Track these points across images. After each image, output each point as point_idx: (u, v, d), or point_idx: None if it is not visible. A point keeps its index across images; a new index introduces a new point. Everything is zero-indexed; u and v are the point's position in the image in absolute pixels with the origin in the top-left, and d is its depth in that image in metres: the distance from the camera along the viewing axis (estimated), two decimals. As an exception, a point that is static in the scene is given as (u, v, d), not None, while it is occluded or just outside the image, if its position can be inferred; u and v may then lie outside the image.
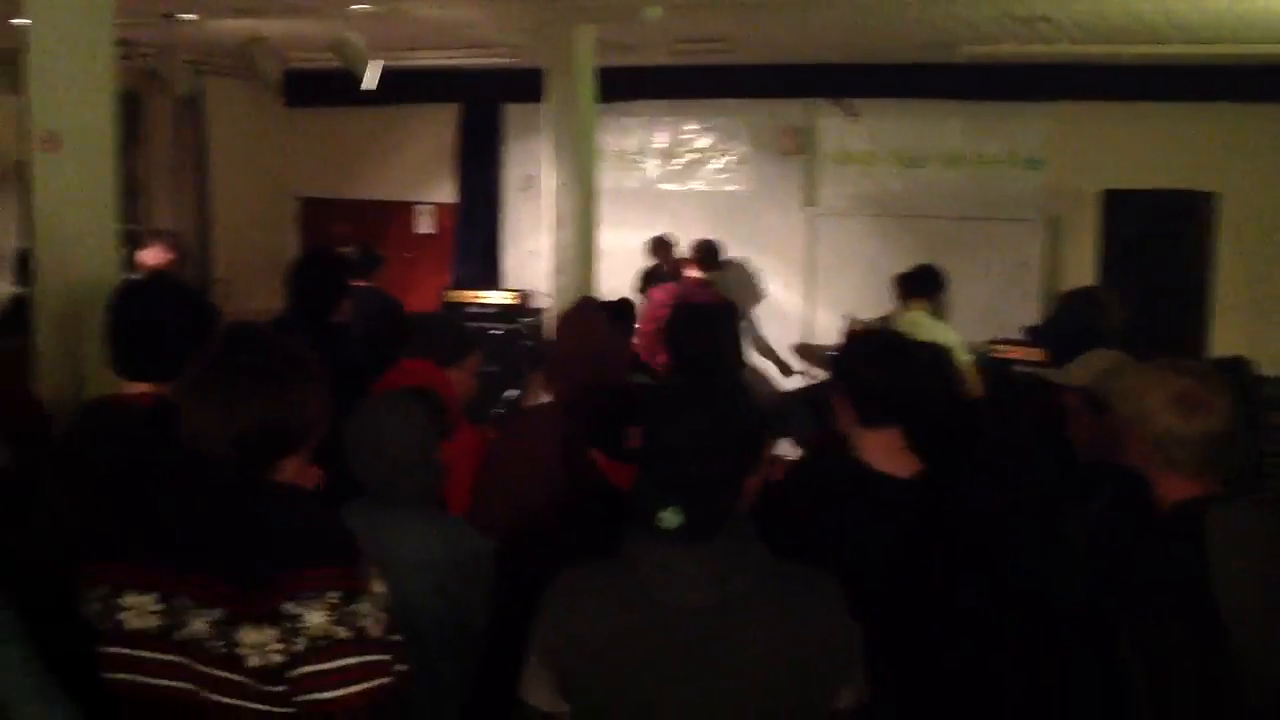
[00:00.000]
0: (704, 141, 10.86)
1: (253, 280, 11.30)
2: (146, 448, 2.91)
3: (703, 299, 8.39)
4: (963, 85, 9.53)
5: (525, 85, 8.95)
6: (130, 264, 7.56)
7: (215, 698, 2.18)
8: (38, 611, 2.63)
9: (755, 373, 9.50)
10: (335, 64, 8.24)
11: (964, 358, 7.01)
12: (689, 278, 8.92)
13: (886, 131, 10.23)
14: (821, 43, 8.71)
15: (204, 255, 11.17)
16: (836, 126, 10.41)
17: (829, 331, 9.35)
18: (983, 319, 9.12)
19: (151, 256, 8.10)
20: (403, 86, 10.04)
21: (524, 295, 10.79)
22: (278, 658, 2.13)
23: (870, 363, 3.18)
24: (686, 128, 10.91)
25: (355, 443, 3.17)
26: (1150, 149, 9.17)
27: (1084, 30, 7.54)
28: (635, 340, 7.45)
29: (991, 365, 8.03)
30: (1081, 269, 8.90)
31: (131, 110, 10.41)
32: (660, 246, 10.01)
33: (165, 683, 2.21)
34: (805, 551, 2.43)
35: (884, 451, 3.11)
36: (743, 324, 8.08)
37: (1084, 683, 2.55)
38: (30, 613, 2.62)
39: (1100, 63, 8.54)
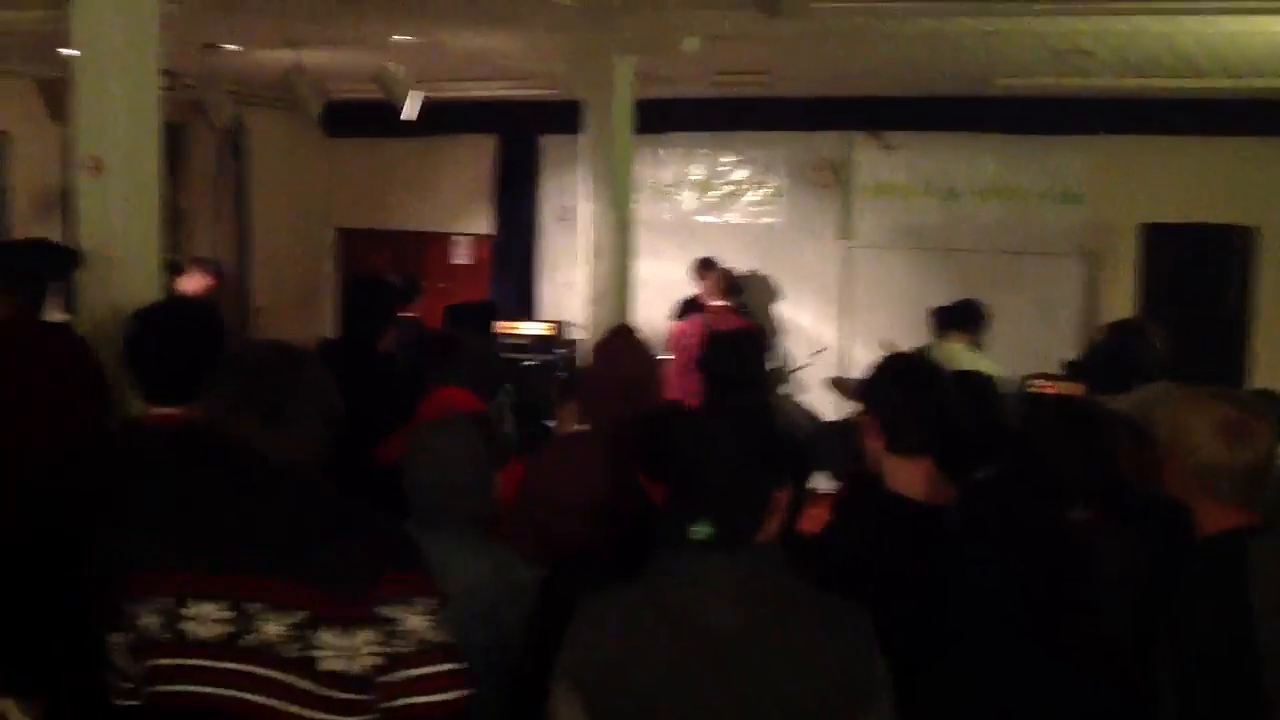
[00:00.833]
0: (740, 174, 10.88)
1: (290, 310, 11.40)
2: (180, 461, 2.94)
3: (732, 326, 8.41)
4: (1000, 118, 9.52)
5: (563, 117, 9.00)
6: (171, 293, 7.64)
7: (278, 705, 2.17)
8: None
9: (792, 402, 9.48)
10: (376, 95, 8.32)
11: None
12: (714, 307, 8.91)
13: (923, 164, 10.22)
14: (858, 75, 8.73)
15: (243, 284, 11.26)
16: (873, 159, 10.41)
17: (864, 365, 9.31)
18: (1020, 354, 9.05)
19: (191, 283, 8.19)
20: (441, 118, 10.12)
21: (559, 326, 10.82)
22: (372, 660, 2.15)
23: (899, 387, 3.16)
24: (723, 160, 10.93)
25: (414, 466, 3.17)
26: (1189, 183, 9.12)
27: (1122, 63, 7.53)
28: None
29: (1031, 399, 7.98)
30: (1120, 303, 8.86)
31: (174, 140, 10.54)
32: (706, 267, 9.92)
33: (223, 692, 2.20)
34: (845, 584, 2.42)
35: (914, 480, 3.09)
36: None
37: (1109, 710, 2.52)
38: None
39: (1138, 96, 8.52)
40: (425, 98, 8.39)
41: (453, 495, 3.15)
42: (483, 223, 11.85)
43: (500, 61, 8.38)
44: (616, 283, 7.84)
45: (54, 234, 9.20)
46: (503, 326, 10.85)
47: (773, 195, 10.78)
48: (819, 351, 10.12)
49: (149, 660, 2.25)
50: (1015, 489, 2.71)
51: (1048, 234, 9.77)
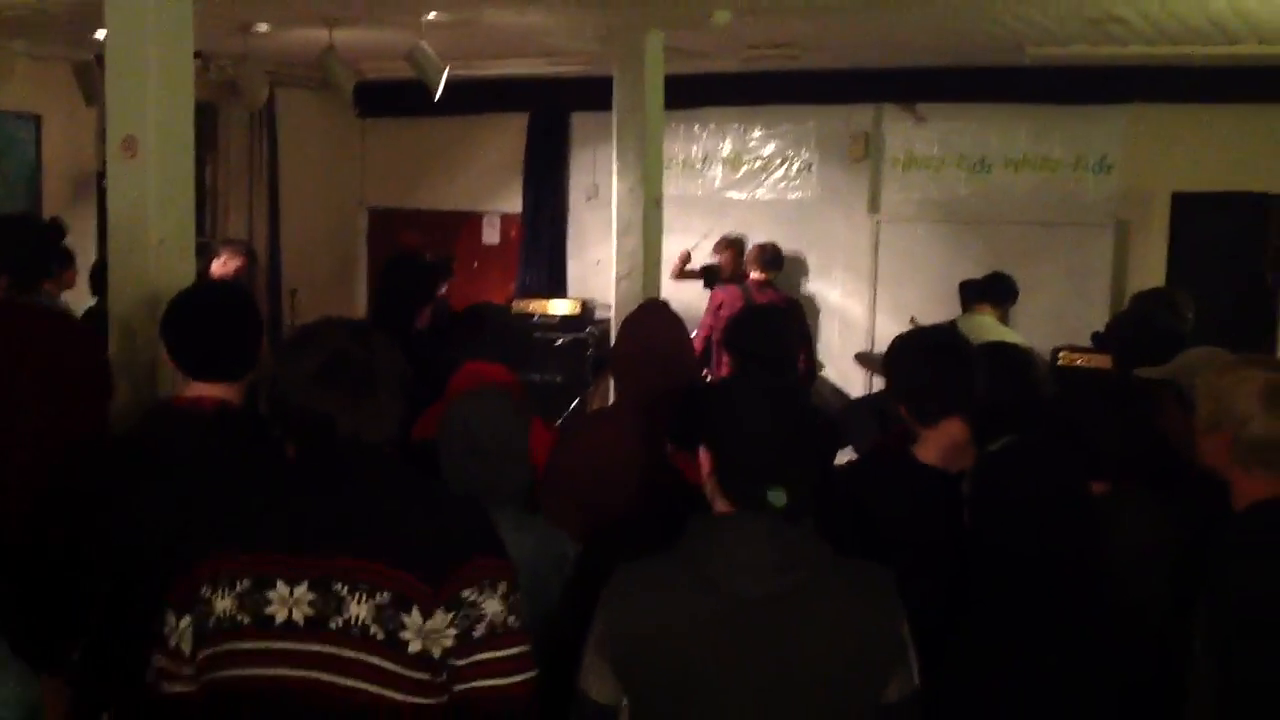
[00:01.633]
0: (769, 148, 10.85)
1: (322, 290, 11.46)
2: (219, 446, 2.97)
3: (767, 299, 8.43)
4: (1031, 88, 9.45)
5: (593, 93, 9.00)
6: (204, 275, 7.70)
7: (360, 685, 2.17)
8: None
9: (824, 381, 9.50)
10: (407, 75, 8.34)
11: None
12: (754, 279, 8.95)
13: (953, 136, 10.16)
14: (888, 47, 8.68)
15: (275, 265, 11.32)
16: (903, 131, 10.36)
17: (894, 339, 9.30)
18: (1050, 325, 9.04)
19: (223, 265, 8.25)
20: (473, 96, 10.15)
21: (588, 304, 10.84)
22: (449, 642, 2.17)
23: (918, 357, 3.19)
24: (752, 134, 10.90)
25: (447, 440, 3.19)
26: (1221, 151, 9.04)
27: (1155, 30, 7.47)
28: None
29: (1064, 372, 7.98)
30: (1151, 273, 8.81)
31: (205, 121, 10.61)
32: (728, 246, 9.98)
33: (305, 674, 2.19)
34: (855, 545, 2.46)
35: (943, 448, 3.12)
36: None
37: (1131, 679, 2.53)
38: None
39: (1171, 64, 8.44)
40: (457, 76, 8.40)
41: (494, 470, 3.15)
42: (514, 201, 11.85)
43: (531, 38, 8.39)
44: (646, 259, 7.85)
45: (88, 217, 9.36)
46: (532, 304, 10.92)
47: (802, 169, 10.75)
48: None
49: (218, 646, 2.24)
50: (1031, 459, 2.72)
51: (1079, 204, 9.71)
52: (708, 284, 9.82)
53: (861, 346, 10.09)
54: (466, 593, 2.19)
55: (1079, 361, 8.18)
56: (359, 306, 11.58)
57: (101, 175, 6.60)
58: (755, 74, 9.94)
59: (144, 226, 4.34)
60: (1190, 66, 8.50)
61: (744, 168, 10.95)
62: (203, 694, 2.27)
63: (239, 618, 2.22)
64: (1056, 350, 8.50)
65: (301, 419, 2.29)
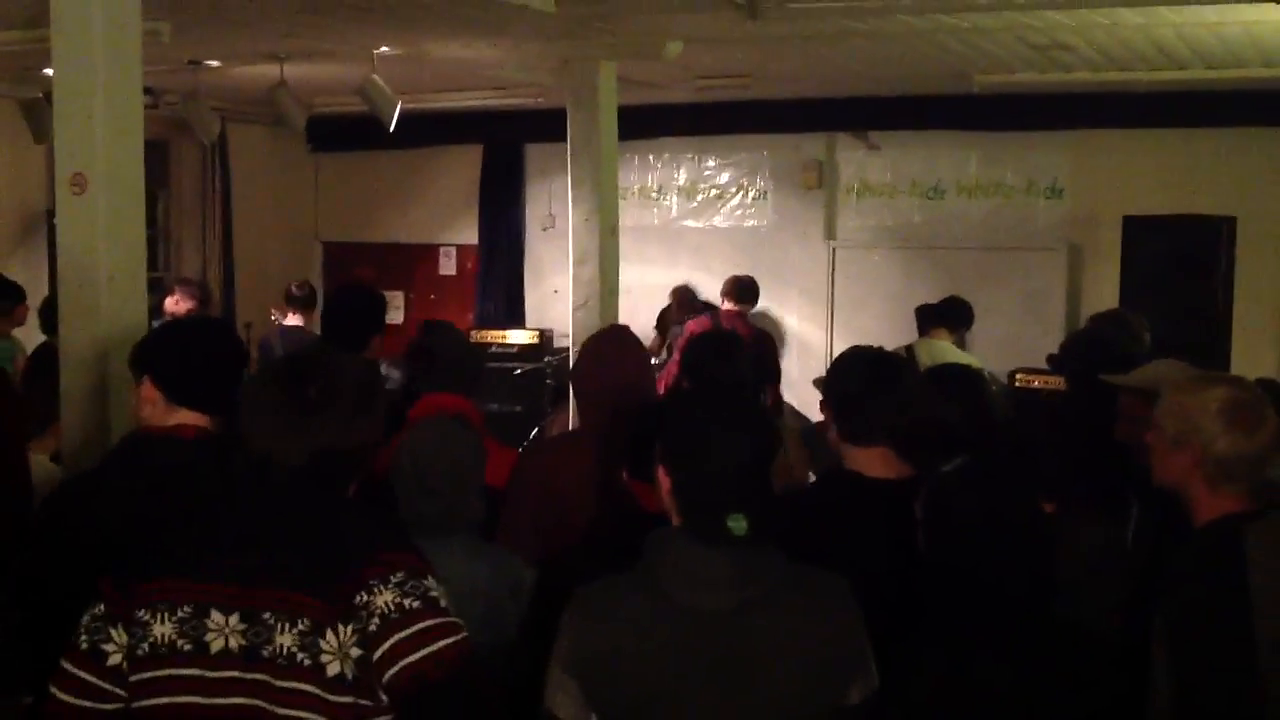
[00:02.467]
0: (724, 177, 10.91)
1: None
2: (201, 472, 2.94)
3: (737, 329, 8.45)
4: (981, 116, 9.56)
5: (547, 124, 9.01)
6: (157, 311, 7.64)
7: (296, 714, 2.17)
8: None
9: (788, 407, 9.52)
10: (359, 109, 8.33)
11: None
12: (726, 310, 8.99)
13: (906, 163, 10.27)
14: (840, 76, 8.75)
15: (228, 300, 11.25)
16: (856, 159, 10.46)
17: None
18: (1006, 348, 9.11)
19: (175, 303, 8.19)
20: (426, 129, 10.16)
21: (546, 334, 10.83)
22: (356, 651, 2.15)
23: (852, 378, 3.20)
24: (707, 164, 10.96)
25: (405, 471, 3.18)
26: (1170, 175, 9.19)
27: (1102, 57, 7.57)
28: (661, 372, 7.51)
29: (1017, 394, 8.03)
30: (1104, 296, 8.89)
31: (156, 158, 10.55)
32: (681, 294, 10.07)
33: (239, 702, 2.19)
34: (803, 556, 2.47)
35: (872, 463, 3.12)
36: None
37: (1084, 697, 2.53)
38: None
39: (1119, 90, 8.56)
40: (409, 109, 8.39)
41: (439, 498, 3.15)
42: (470, 232, 11.86)
43: (483, 71, 8.40)
44: (602, 289, 7.85)
45: (39, 254, 9.27)
46: (489, 335, 10.89)
47: (758, 198, 10.81)
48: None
49: (155, 671, 2.23)
50: (983, 479, 2.72)
51: (1031, 229, 9.83)
52: (658, 328, 9.91)
53: (819, 372, 10.04)
54: (359, 598, 2.16)
55: (1036, 384, 8.24)
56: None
57: (51, 213, 6.53)
58: (708, 104, 10.00)
59: (94, 263, 4.28)
60: (1137, 92, 8.62)
61: (700, 196, 11.00)
62: (131, 718, 2.25)
63: (179, 643, 2.21)
64: (1013, 373, 8.56)
65: (238, 449, 2.33)
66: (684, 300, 9.98)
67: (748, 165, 10.81)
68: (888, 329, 9.17)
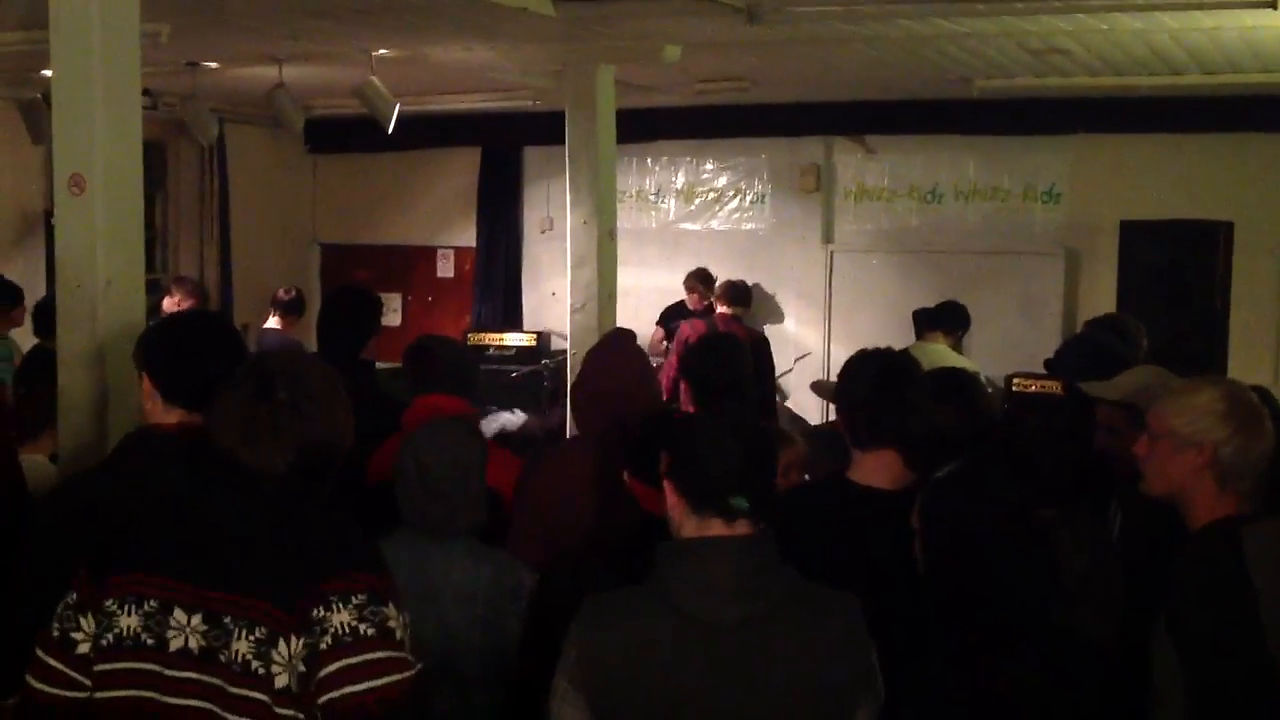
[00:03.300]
0: (722, 180, 10.91)
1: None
2: (191, 471, 2.94)
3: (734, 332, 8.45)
4: (979, 120, 9.57)
5: (545, 127, 9.02)
6: (155, 311, 7.63)
7: (236, 719, 2.15)
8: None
9: (785, 409, 9.53)
10: (358, 110, 8.33)
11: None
12: (720, 314, 9.00)
13: (903, 168, 10.27)
14: (838, 81, 8.76)
15: (226, 302, 11.24)
16: (854, 164, 10.47)
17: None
18: (1004, 352, 9.12)
19: (174, 303, 8.19)
20: (424, 131, 10.16)
21: (544, 337, 10.82)
22: (302, 666, 2.13)
23: (861, 383, 3.20)
24: (705, 167, 10.97)
25: (409, 473, 3.17)
26: (1166, 180, 9.19)
27: (1100, 61, 7.58)
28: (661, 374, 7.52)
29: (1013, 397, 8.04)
30: (1101, 301, 8.91)
31: (154, 159, 10.54)
32: (698, 280, 10.00)
33: (193, 703, 2.18)
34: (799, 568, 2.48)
35: (875, 470, 3.13)
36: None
37: (1083, 702, 2.54)
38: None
39: (1116, 95, 8.57)
40: (408, 111, 8.39)
41: (441, 502, 3.14)
42: (467, 235, 11.86)
43: (482, 74, 8.40)
44: (600, 292, 7.85)
45: (37, 256, 9.26)
46: (487, 337, 10.88)
47: (756, 201, 10.81)
48: (802, 357, 10.18)
49: (117, 663, 2.24)
50: (979, 484, 2.73)
51: (1028, 233, 9.83)
52: (661, 321, 9.87)
53: (816, 375, 10.13)
54: (315, 612, 2.14)
55: (1033, 388, 8.24)
56: (310, 343, 11.49)
57: (49, 214, 6.53)
58: (706, 108, 10.00)
59: (92, 265, 4.27)
60: (1135, 97, 8.64)
61: (697, 200, 11.01)
62: (93, 708, 2.26)
63: (143, 637, 2.22)
64: (1010, 377, 8.57)
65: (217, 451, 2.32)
66: (703, 276, 9.86)
67: (745, 169, 10.81)
68: (884, 332, 9.13)
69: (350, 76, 8.08)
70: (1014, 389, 8.43)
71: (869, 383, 3.20)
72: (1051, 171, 9.76)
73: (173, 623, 2.21)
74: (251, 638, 2.16)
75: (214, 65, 8.21)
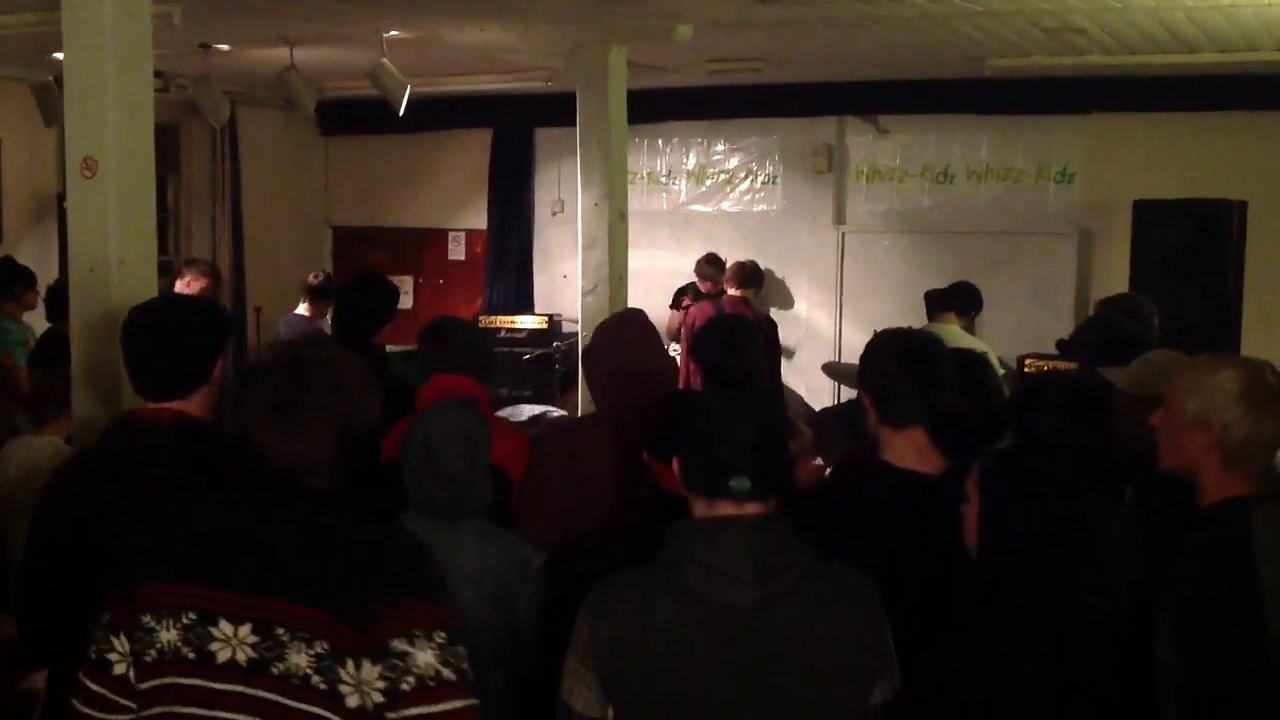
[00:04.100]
0: (733, 161, 10.89)
1: (286, 308, 11.38)
2: (186, 464, 2.95)
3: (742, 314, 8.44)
4: (992, 100, 9.52)
5: (557, 108, 9.00)
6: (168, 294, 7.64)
7: None
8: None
9: (791, 392, 9.51)
10: (369, 92, 8.32)
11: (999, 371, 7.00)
12: (730, 296, 8.99)
13: (916, 148, 10.23)
14: (850, 60, 8.72)
15: (238, 284, 11.26)
16: (866, 144, 10.43)
17: (860, 349, 9.33)
18: (1016, 333, 9.10)
19: (185, 285, 8.20)
20: (436, 113, 10.15)
21: (555, 319, 10.82)
22: (379, 697, 2.06)
23: (889, 360, 3.19)
24: (716, 148, 10.94)
25: (417, 455, 3.17)
26: (1181, 159, 9.14)
27: (1113, 40, 7.53)
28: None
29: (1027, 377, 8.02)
30: (1114, 281, 8.87)
31: (167, 141, 10.55)
32: (711, 264, 9.96)
33: (241, 718, 2.11)
34: (836, 551, 2.46)
35: (908, 451, 3.12)
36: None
37: (1099, 679, 2.53)
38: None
39: (1130, 74, 8.52)
40: (420, 93, 8.38)
41: (449, 483, 3.14)
42: (479, 217, 11.85)
43: (493, 55, 8.38)
44: (611, 274, 7.84)
45: (49, 238, 9.28)
46: (498, 320, 10.89)
47: (767, 182, 10.79)
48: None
49: (161, 679, 2.16)
50: (1037, 465, 2.70)
51: (1042, 214, 9.79)
52: (674, 305, 9.87)
53: (828, 357, 10.12)
54: (395, 643, 2.07)
55: (1046, 369, 8.21)
56: (324, 324, 11.52)
57: (62, 196, 6.53)
58: (718, 88, 9.97)
59: (104, 247, 4.29)
60: (1149, 76, 8.58)
61: (709, 181, 10.98)
62: None
63: (183, 651, 2.14)
64: (1023, 358, 8.55)
65: (238, 448, 2.23)
66: (714, 261, 9.81)
67: (757, 149, 10.78)
68: (897, 314, 9.13)
69: (362, 58, 8.08)
70: (1026, 370, 8.41)
71: (896, 360, 3.19)
72: (1065, 151, 9.71)
73: (217, 633, 2.12)
74: (310, 651, 2.08)
75: (226, 47, 8.20)
